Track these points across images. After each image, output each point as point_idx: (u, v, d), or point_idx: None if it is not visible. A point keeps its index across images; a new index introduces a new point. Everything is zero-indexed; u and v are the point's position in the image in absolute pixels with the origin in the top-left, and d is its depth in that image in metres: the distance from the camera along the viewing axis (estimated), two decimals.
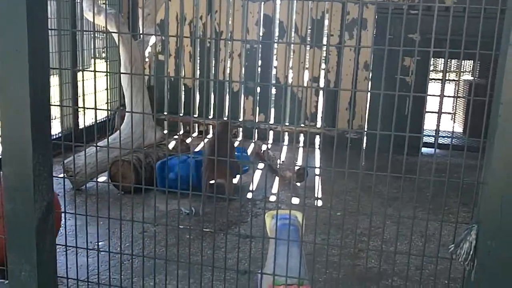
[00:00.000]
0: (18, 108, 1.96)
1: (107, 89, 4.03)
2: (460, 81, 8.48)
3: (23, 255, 2.08)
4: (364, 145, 6.78)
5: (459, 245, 2.04)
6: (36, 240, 2.06)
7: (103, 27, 5.40)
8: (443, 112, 6.84)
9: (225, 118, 6.70)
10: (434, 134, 6.87)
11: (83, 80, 2.59)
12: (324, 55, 6.79)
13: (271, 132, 7.09)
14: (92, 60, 7.35)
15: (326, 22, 6.73)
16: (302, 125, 6.85)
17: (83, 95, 2.49)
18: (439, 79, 7.50)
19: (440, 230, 2.22)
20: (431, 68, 7.04)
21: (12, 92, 1.96)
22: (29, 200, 2.02)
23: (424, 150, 6.69)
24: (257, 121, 7.09)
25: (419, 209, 4.60)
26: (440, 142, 7.04)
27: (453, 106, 8.65)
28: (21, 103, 1.96)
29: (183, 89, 7.19)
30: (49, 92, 2.11)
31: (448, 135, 7.22)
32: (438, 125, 2.17)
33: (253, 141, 6.77)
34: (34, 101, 1.97)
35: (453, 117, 7.83)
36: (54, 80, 5.46)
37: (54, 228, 2.17)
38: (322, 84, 6.87)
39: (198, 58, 7.10)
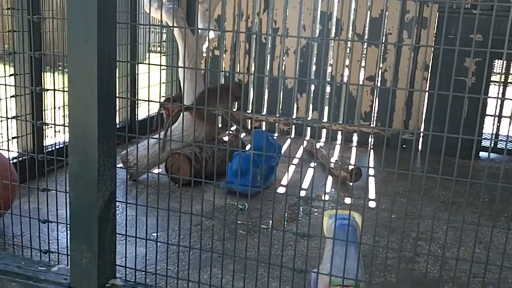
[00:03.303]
0: (86, 98, 2.00)
1: (164, 82, 4.06)
2: None
3: (85, 242, 2.12)
4: (420, 146, 6.65)
5: None
6: (98, 228, 2.10)
7: (159, 21, 5.46)
8: (504, 116, 6.63)
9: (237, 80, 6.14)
10: (494, 138, 6.64)
11: (149, 73, 2.59)
12: (382, 54, 6.66)
13: (324, 130, 7.01)
14: (147, 54, 7.45)
15: (385, 20, 6.60)
16: (356, 124, 6.76)
17: (148, 87, 2.50)
18: (495, 82, 7.22)
19: (506, 238, 2.14)
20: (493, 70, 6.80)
21: (80, 82, 2.00)
22: (92, 189, 2.06)
23: (481, 154, 6.50)
24: (310, 118, 7.03)
25: (475, 215, 4.46)
26: (499, 147, 6.80)
27: None
28: (88, 94, 1.99)
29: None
30: (115, 83, 2.14)
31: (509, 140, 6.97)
32: (498, 128, 2.09)
33: (306, 138, 6.72)
34: (101, 92, 2.00)
35: None
36: None
37: (115, 217, 2.20)
38: (378, 83, 6.75)
39: (253, 54, 7.11)
